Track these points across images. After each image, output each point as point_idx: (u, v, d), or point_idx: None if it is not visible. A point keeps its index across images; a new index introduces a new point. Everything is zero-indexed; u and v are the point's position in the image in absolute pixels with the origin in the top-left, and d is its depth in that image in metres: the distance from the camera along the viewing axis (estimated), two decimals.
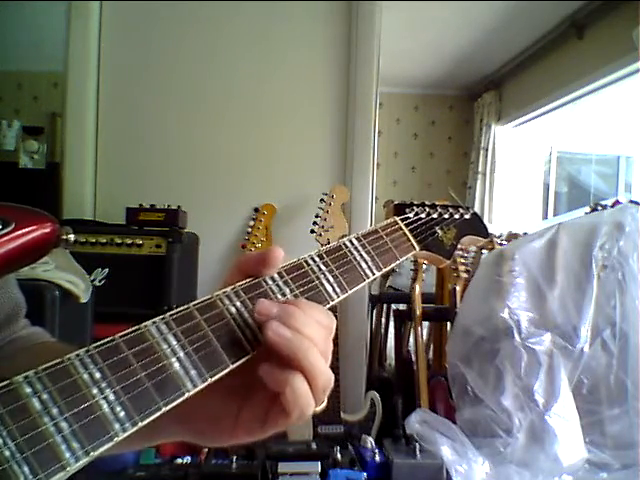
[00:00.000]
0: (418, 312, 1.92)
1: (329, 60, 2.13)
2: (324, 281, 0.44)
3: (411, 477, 1.46)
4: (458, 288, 1.91)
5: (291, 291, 0.42)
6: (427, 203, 0.63)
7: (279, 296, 0.41)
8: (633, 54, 2.58)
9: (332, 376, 0.39)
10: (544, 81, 3.72)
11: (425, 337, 2.15)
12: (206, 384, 0.36)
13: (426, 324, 2.17)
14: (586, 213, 1.94)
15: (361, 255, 0.48)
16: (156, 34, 2.10)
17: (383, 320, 2.50)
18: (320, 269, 0.44)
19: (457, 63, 4.03)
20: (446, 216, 0.63)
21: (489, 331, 1.65)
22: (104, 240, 1.72)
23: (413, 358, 1.95)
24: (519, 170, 4.32)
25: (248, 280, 0.41)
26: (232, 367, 0.37)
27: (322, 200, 1.86)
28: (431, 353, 2.19)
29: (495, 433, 1.51)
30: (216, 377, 0.36)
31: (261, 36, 2.11)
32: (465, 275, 1.90)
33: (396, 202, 0.62)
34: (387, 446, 1.57)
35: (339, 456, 1.51)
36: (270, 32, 2.11)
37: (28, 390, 0.30)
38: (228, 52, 2.10)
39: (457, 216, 0.65)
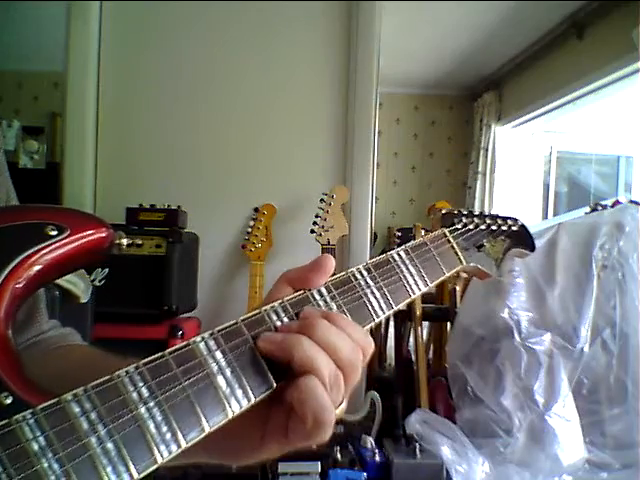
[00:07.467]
0: (418, 312, 1.92)
1: (329, 60, 2.12)
2: (371, 297, 0.44)
3: (411, 477, 1.46)
4: (458, 288, 1.91)
5: (338, 307, 0.41)
6: (475, 212, 0.60)
7: None
8: (633, 54, 2.58)
9: (358, 371, 0.37)
10: (544, 81, 3.72)
11: (425, 337, 2.15)
12: (250, 405, 0.35)
13: (426, 324, 2.17)
14: (586, 213, 1.94)
15: (408, 269, 0.47)
16: (156, 34, 2.10)
17: (383, 320, 2.50)
18: (367, 283, 0.44)
19: (457, 63, 4.03)
20: (494, 228, 0.61)
21: (489, 331, 1.65)
22: None
23: (413, 358, 1.95)
24: (519, 170, 4.32)
25: (296, 294, 0.40)
26: (276, 387, 0.36)
27: (322, 200, 1.86)
28: (431, 353, 2.19)
29: (495, 433, 1.51)
30: (261, 397, 0.35)
31: (261, 36, 2.11)
32: (465, 275, 1.90)
33: (444, 211, 0.58)
34: (387, 446, 1.57)
35: (339, 456, 1.51)
36: (270, 32, 2.11)
37: (77, 410, 0.30)
38: (228, 52, 2.10)
39: (505, 228, 0.62)
